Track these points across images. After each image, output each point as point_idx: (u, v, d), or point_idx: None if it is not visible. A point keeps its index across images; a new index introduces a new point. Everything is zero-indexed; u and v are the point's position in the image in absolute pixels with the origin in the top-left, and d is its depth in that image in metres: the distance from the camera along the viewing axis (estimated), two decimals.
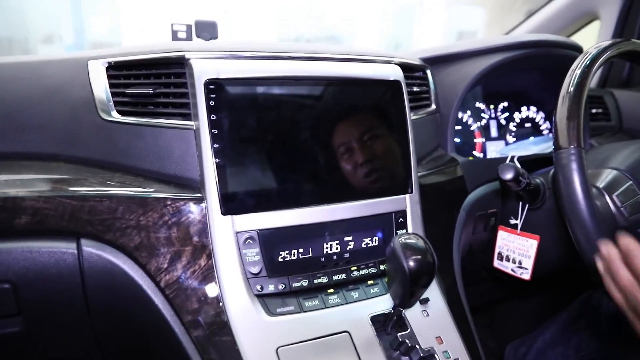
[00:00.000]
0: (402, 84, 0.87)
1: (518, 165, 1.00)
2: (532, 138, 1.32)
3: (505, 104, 1.31)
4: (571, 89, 0.77)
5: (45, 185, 0.69)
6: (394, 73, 0.87)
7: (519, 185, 0.89)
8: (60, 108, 0.76)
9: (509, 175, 0.87)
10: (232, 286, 0.71)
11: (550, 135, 1.33)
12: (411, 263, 0.65)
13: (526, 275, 1.01)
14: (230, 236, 0.71)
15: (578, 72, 0.79)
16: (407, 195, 0.84)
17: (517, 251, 1.03)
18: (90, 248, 0.68)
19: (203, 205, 0.71)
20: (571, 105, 0.76)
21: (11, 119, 0.75)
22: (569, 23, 1.64)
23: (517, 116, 1.32)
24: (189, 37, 1.24)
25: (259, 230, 0.72)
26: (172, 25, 1.25)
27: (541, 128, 1.35)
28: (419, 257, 0.65)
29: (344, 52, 0.86)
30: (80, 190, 0.69)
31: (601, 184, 0.86)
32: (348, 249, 0.79)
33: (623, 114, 1.48)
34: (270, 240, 0.73)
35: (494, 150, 1.28)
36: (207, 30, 1.27)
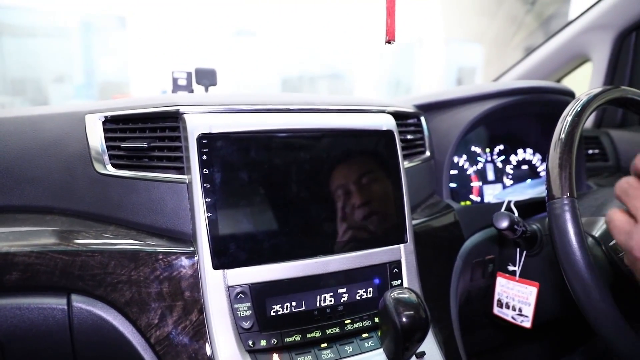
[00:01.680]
0: (395, 133, 0.88)
1: (515, 211, 1.00)
2: (529, 180, 1.32)
3: (502, 146, 1.32)
4: (562, 135, 0.78)
5: (38, 240, 0.69)
6: (387, 123, 0.88)
7: (514, 234, 0.89)
8: (56, 161, 0.77)
9: (503, 224, 0.87)
10: (223, 342, 0.69)
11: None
12: (404, 319, 0.64)
13: (527, 324, 0.99)
14: (222, 291, 0.70)
15: (569, 118, 0.79)
16: (401, 245, 0.84)
17: (516, 298, 1.01)
18: (81, 304, 0.68)
19: (195, 259, 0.71)
20: (562, 153, 0.76)
21: (9, 172, 0.76)
22: (562, 65, 1.67)
23: (513, 159, 1.33)
24: (189, 84, 1.27)
25: (251, 284, 0.72)
26: (172, 72, 1.28)
27: (538, 170, 1.36)
28: (412, 312, 0.64)
29: (338, 102, 0.88)
30: (72, 245, 0.69)
31: (597, 232, 0.85)
32: (342, 301, 0.78)
33: (620, 154, 1.48)
34: (262, 295, 0.72)
35: (491, 193, 1.28)
36: (206, 77, 1.30)
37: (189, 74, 1.25)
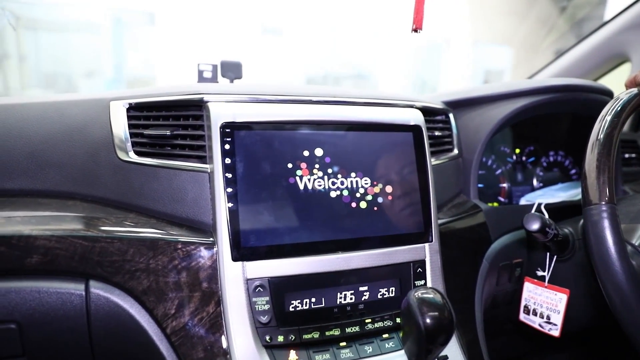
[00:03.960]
0: (423, 128, 0.85)
1: (545, 214, 0.95)
2: (559, 184, 1.27)
3: (532, 147, 1.27)
4: (601, 136, 0.73)
5: (59, 224, 0.69)
6: (415, 118, 0.85)
7: (545, 237, 0.85)
8: (80, 147, 0.77)
9: (535, 226, 0.83)
10: (240, 336, 0.68)
11: (579, 181, 1.28)
12: (427, 320, 0.61)
13: (555, 332, 0.94)
14: (240, 283, 0.69)
15: (608, 118, 0.75)
16: (426, 244, 0.81)
17: (544, 305, 0.97)
18: (99, 290, 0.67)
19: (214, 250, 0.70)
20: (601, 156, 0.72)
21: (34, 157, 0.77)
22: (598, 65, 1.60)
23: (543, 161, 1.28)
24: (214, 77, 1.26)
25: (270, 277, 0.70)
26: (198, 65, 1.28)
27: (570, 173, 1.30)
28: (436, 313, 0.62)
29: (365, 96, 0.86)
30: (92, 230, 0.68)
31: (637, 240, 0.81)
32: (363, 299, 0.75)
33: None
34: (281, 289, 0.70)
35: (519, 195, 1.23)
36: (232, 70, 1.29)
37: (215, 67, 1.24)
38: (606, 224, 0.68)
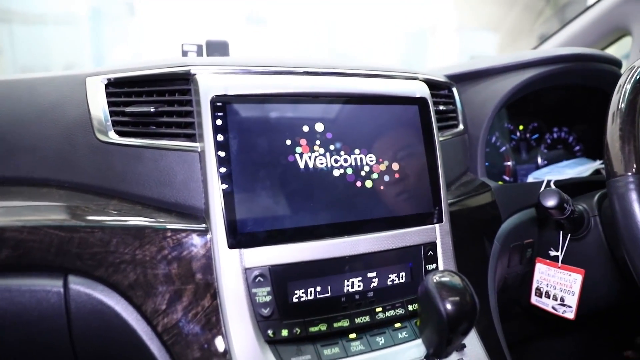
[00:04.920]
0: (429, 101, 0.78)
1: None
2: (564, 161, 1.22)
3: (535, 124, 1.22)
4: (622, 105, 0.68)
5: (32, 214, 0.61)
6: (421, 90, 0.79)
7: (562, 213, 0.80)
8: (53, 128, 0.69)
9: (551, 202, 0.77)
10: (239, 331, 0.61)
11: (584, 157, 1.23)
12: (449, 306, 0.55)
13: (570, 314, 0.90)
14: (238, 273, 0.62)
15: (628, 87, 0.70)
16: (437, 225, 0.75)
17: (558, 287, 0.92)
18: (79, 286, 0.60)
19: (208, 237, 0.63)
20: (624, 124, 0.67)
21: (2, 140, 0.69)
22: (598, 39, 1.55)
23: (547, 137, 1.23)
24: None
25: (271, 266, 0.63)
26: (182, 45, 1.20)
27: (574, 150, 1.26)
28: (457, 298, 0.56)
29: (366, 67, 0.79)
30: (70, 219, 0.61)
31: None
32: (372, 286, 0.69)
33: None
34: (283, 278, 0.64)
35: (524, 174, 1.18)
36: (218, 50, 1.21)
37: (200, 47, 1.17)
38: (634, 196, 0.63)
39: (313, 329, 0.65)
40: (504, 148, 1.15)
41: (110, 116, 0.68)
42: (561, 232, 0.89)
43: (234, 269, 0.62)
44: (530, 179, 1.13)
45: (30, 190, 0.68)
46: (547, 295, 0.94)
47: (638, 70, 0.72)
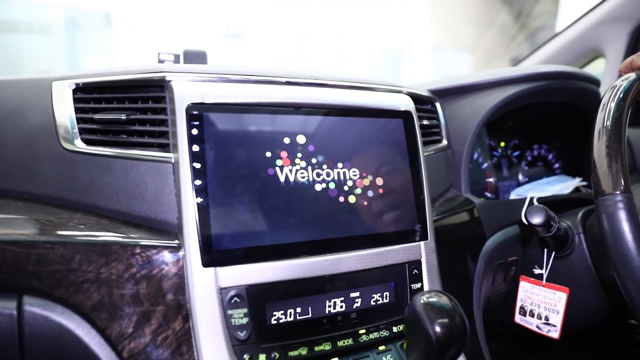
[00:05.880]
0: (414, 115, 0.76)
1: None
2: (544, 178, 1.22)
3: (516, 141, 1.22)
4: (607, 122, 0.68)
5: None
6: (405, 103, 0.77)
7: (548, 231, 0.78)
8: (13, 135, 0.64)
9: (538, 220, 0.76)
10: (214, 356, 0.57)
11: (563, 174, 1.24)
12: (438, 329, 0.52)
13: (554, 334, 0.88)
14: (213, 293, 0.57)
15: (613, 104, 0.70)
16: (422, 243, 0.72)
17: (542, 305, 0.90)
18: (35, 308, 0.54)
19: (180, 254, 0.58)
20: (610, 142, 0.66)
21: None
22: (572, 60, 1.59)
23: (528, 154, 1.23)
24: None
25: (248, 285, 0.59)
26: (158, 54, 1.16)
27: (554, 167, 1.26)
28: (447, 320, 0.53)
29: (350, 79, 0.77)
30: (27, 234, 0.55)
31: None
32: (355, 307, 0.66)
33: (635, 153, 1.39)
34: (261, 299, 0.60)
35: (506, 191, 1.17)
36: (196, 60, 1.18)
37: (177, 56, 1.13)
38: (623, 215, 0.62)
39: (293, 353, 0.60)
40: (485, 164, 1.14)
41: (78, 123, 0.63)
42: (545, 250, 0.88)
43: (209, 289, 0.57)
44: (513, 195, 1.13)
45: None
46: (532, 314, 0.92)
47: (621, 89, 0.72)
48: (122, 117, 0.63)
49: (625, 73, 0.76)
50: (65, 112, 0.64)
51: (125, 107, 0.64)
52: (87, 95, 0.65)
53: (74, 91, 0.65)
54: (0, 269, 0.53)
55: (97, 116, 0.63)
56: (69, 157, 0.62)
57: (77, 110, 0.64)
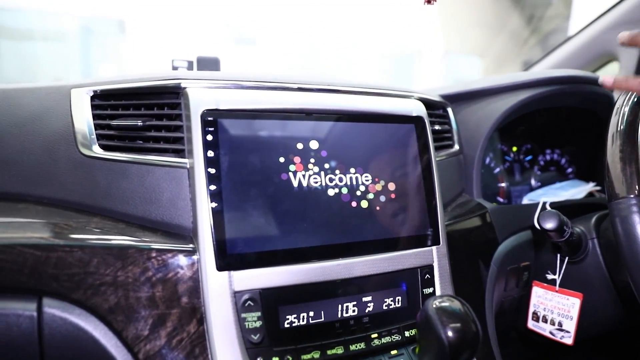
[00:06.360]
0: (426, 120, 0.77)
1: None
2: (557, 183, 1.21)
3: (529, 145, 1.21)
4: (621, 126, 0.68)
5: (4, 231, 0.57)
6: (417, 109, 0.77)
7: (561, 236, 0.78)
8: (34, 141, 0.65)
9: (551, 225, 0.75)
10: (227, 359, 0.57)
11: (576, 179, 1.23)
12: (450, 333, 0.52)
13: (568, 340, 0.87)
14: (227, 297, 0.58)
15: (626, 109, 0.70)
16: (434, 248, 0.72)
17: (555, 311, 0.90)
18: (54, 309, 0.55)
19: (195, 258, 0.59)
20: (625, 146, 0.66)
21: None
22: (585, 64, 1.57)
23: (540, 159, 1.22)
24: None
25: (262, 289, 0.60)
26: (172, 61, 1.18)
27: (567, 172, 1.25)
28: (459, 325, 0.53)
29: (360, 85, 0.78)
30: (47, 237, 0.57)
31: None
32: (367, 311, 0.66)
33: None
34: (274, 302, 0.60)
35: (517, 196, 1.17)
36: (209, 66, 1.20)
37: (190, 63, 1.16)
38: (637, 218, 0.62)
39: (305, 357, 0.61)
40: (497, 169, 1.14)
41: (95, 129, 0.65)
42: (558, 255, 0.87)
43: (223, 292, 0.58)
44: (525, 200, 1.12)
45: (4, 205, 0.63)
46: (545, 320, 0.91)
47: (634, 93, 0.72)
48: (139, 124, 0.64)
49: (629, 44, 0.69)
50: (83, 119, 0.65)
51: (142, 114, 0.66)
52: (105, 102, 0.67)
53: (92, 98, 0.67)
54: (21, 271, 0.54)
55: (114, 122, 0.64)
56: (86, 163, 0.63)
57: (95, 116, 0.65)
